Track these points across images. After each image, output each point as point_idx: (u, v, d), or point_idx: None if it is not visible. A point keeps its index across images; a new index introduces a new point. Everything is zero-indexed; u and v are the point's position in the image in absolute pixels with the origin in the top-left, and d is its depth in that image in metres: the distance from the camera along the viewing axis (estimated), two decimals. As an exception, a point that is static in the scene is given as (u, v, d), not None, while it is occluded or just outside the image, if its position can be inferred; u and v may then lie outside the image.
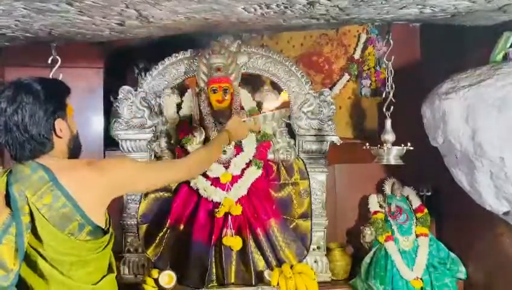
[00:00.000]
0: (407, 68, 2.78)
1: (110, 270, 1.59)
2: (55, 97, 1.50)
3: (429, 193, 2.85)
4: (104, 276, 1.55)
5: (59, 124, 1.49)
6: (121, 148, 2.56)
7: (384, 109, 2.32)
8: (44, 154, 1.49)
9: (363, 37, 3.11)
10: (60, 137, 1.50)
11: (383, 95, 2.39)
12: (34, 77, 1.52)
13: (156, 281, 2.30)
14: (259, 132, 2.47)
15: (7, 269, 1.36)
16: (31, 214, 1.41)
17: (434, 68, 2.73)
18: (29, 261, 1.43)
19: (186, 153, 2.40)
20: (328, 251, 2.67)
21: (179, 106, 2.52)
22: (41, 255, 1.43)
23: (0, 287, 1.35)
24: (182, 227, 2.41)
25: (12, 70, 2.55)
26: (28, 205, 1.42)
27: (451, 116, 2.10)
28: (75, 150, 1.58)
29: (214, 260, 2.36)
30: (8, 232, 1.37)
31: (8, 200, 1.42)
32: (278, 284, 2.31)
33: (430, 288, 2.61)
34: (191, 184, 2.40)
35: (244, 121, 2.13)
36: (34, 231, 1.42)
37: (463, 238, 2.70)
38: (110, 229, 1.55)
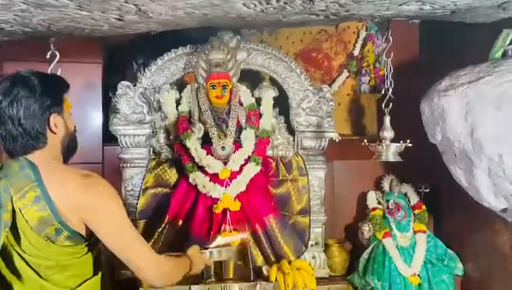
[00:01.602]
0: (406, 65, 2.78)
1: (96, 272, 1.54)
2: (52, 92, 1.48)
3: (427, 190, 2.86)
4: (86, 279, 1.50)
5: (54, 119, 1.47)
6: (119, 143, 2.56)
7: (383, 106, 2.32)
8: (37, 149, 1.46)
9: (363, 34, 3.11)
10: (54, 133, 1.47)
11: (382, 92, 2.40)
12: (33, 70, 1.49)
13: (155, 276, 2.31)
14: (264, 131, 2.45)
15: None
16: (13, 212, 1.39)
17: (433, 65, 2.73)
18: (7, 259, 1.41)
19: (185, 149, 2.40)
20: (326, 247, 2.68)
21: (177, 102, 2.52)
22: (19, 255, 1.41)
23: None
24: (180, 223, 2.41)
25: (11, 65, 2.54)
26: (12, 202, 1.39)
27: (450, 113, 2.11)
28: (70, 148, 1.55)
29: (212, 256, 2.36)
30: None
31: None
32: (276, 279, 2.31)
33: (428, 284, 2.62)
34: (190, 180, 2.40)
35: (202, 253, 1.95)
36: (15, 231, 1.39)
37: (461, 235, 2.71)
38: (94, 236, 1.50)
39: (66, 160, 1.56)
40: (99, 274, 1.55)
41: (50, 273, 1.43)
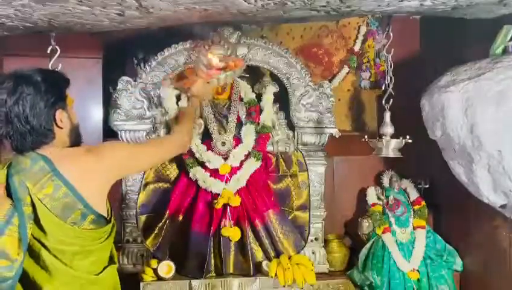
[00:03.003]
0: (406, 61, 2.77)
1: (111, 261, 1.60)
2: (56, 88, 1.51)
3: (427, 186, 2.87)
4: (105, 267, 1.56)
5: (60, 114, 1.51)
6: (120, 139, 2.56)
7: (383, 102, 2.32)
8: (45, 144, 1.50)
9: (363, 30, 3.10)
10: (60, 128, 1.52)
11: (383, 88, 2.40)
12: (34, 68, 1.52)
13: (155, 271, 2.32)
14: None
15: (11, 259, 1.37)
16: (33, 204, 1.42)
17: (433, 61, 2.73)
18: (32, 252, 1.44)
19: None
20: (326, 242, 2.69)
21: (178, 97, 2.52)
22: (44, 246, 1.44)
23: (5, 277, 1.36)
24: (181, 218, 2.42)
25: (11, 60, 2.54)
26: (30, 195, 1.43)
27: (450, 109, 2.11)
28: (75, 140, 1.60)
29: (212, 251, 2.37)
30: (11, 223, 1.39)
31: (9, 191, 1.43)
32: (276, 275, 2.32)
33: (427, 279, 2.63)
34: (190, 175, 2.41)
35: (208, 83, 2.07)
36: (37, 222, 1.43)
37: (460, 231, 2.72)
38: (112, 220, 1.57)
39: None
40: (116, 264, 1.63)
41: (76, 259, 1.48)
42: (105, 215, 1.53)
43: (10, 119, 1.45)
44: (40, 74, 1.50)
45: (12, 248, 1.37)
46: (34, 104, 1.45)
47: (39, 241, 1.44)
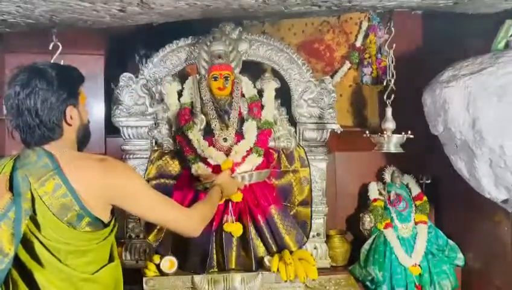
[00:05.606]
0: (408, 56, 2.77)
1: (111, 259, 1.58)
2: (69, 84, 1.51)
3: (428, 181, 2.87)
4: (104, 266, 1.54)
5: (70, 111, 1.50)
6: (122, 135, 2.57)
7: (385, 97, 2.32)
8: (53, 140, 1.49)
9: (365, 25, 3.10)
10: (69, 125, 1.51)
11: (384, 83, 2.39)
12: (50, 62, 1.53)
13: (158, 266, 2.33)
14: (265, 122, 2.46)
15: (3, 253, 1.37)
16: (33, 200, 1.42)
17: (435, 56, 2.72)
18: (27, 246, 1.43)
19: (187, 140, 2.41)
20: (328, 237, 2.70)
21: (179, 93, 2.52)
22: (39, 241, 1.43)
23: None
24: (183, 213, 2.42)
25: (13, 56, 2.55)
26: (31, 191, 1.43)
27: (451, 104, 2.11)
28: (83, 139, 1.59)
29: (214, 246, 2.38)
30: (7, 217, 1.39)
31: (11, 184, 1.44)
32: (277, 270, 2.33)
33: (428, 275, 2.64)
34: (192, 171, 2.41)
35: (233, 177, 2.03)
36: (33, 217, 1.42)
37: (461, 226, 2.72)
38: (112, 222, 1.54)
39: (79, 150, 1.59)
40: (116, 261, 1.60)
41: (70, 257, 1.47)
42: (105, 219, 1.50)
43: (21, 111, 1.45)
44: (54, 68, 1.50)
45: (6, 242, 1.37)
46: (45, 98, 1.45)
47: (34, 235, 1.43)
